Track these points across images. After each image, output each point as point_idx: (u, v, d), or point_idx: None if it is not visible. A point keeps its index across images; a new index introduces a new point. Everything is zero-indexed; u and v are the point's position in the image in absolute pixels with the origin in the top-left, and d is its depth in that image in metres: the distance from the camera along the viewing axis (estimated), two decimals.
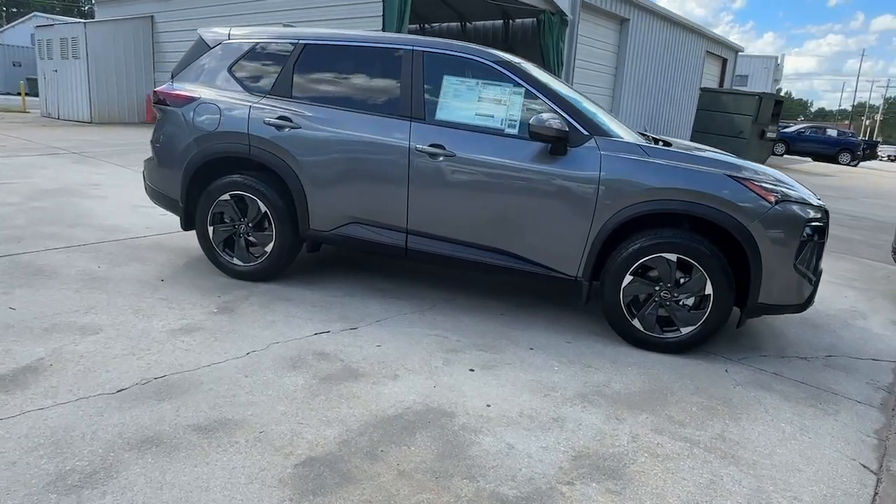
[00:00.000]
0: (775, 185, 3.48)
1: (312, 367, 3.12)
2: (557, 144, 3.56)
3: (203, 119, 4.12)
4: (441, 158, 3.73)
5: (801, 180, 4.15)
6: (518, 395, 3.02)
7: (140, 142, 12.45)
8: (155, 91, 4.38)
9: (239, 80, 4.17)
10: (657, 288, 3.59)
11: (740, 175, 3.47)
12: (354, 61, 4.05)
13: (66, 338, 3.20)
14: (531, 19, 15.93)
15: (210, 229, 4.24)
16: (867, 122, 79.53)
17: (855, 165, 27.55)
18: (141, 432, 2.44)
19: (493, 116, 3.76)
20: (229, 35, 4.29)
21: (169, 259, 4.63)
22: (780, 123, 22.43)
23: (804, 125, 27.75)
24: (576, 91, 4.27)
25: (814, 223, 3.50)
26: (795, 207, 3.46)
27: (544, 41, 14.77)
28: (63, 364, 2.93)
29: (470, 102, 3.80)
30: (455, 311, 4.05)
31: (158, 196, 4.45)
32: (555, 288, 4.67)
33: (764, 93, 19.62)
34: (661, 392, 3.18)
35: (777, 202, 3.42)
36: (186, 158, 4.16)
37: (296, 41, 4.11)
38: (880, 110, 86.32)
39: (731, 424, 2.93)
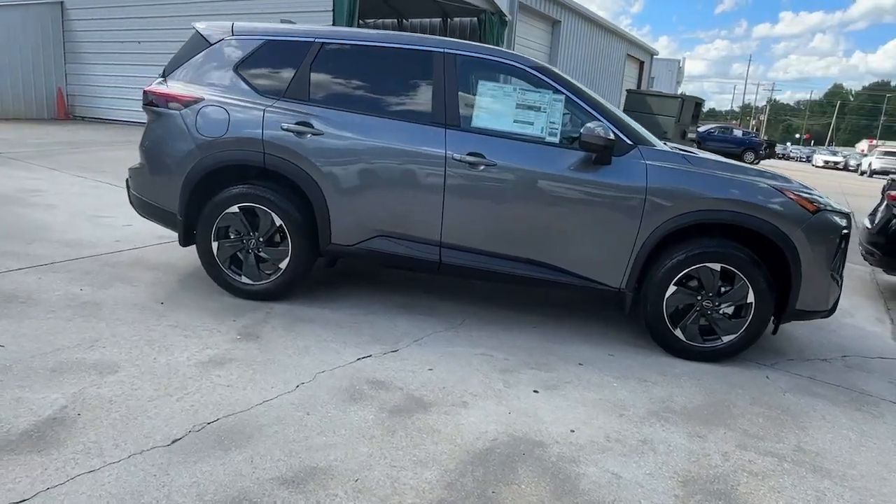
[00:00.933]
0: (811, 195, 3.56)
1: (373, 398, 2.87)
2: (604, 154, 3.47)
3: (208, 123, 3.71)
4: (481, 168, 3.55)
5: None
6: (594, 416, 2.91)
7: (63, 141, 11.36)
8: (145, 90, 3.90)
9: (247, 81, 3.78)
10: (699, 297, 3.58)
11: (784, 186, 3.52)
12: (379, 63, 3.78)
13: (83, 379, 2.77)
14: (469, 18, 15.91)
15: (214, 245, 3.83)
16: (753, 122, 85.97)
17: (756, 164, 29.63)
18: (223, 492, 2.13)
19: (532, 124, 3.62)
20: (233, 30, 3.89)
21: (158, 278, 4.16)
22: (698, 125, 23.70)
23: (713, 125, 29.45)
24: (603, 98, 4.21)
25: (844, 230, 3.61)
26: (830, 216, 3.55)
27: (485, 41, 14.77)
28: (93, 412, 2.52)
29: (507, 109, 3.64)
30: (487, 326, 3.88)
31: (149, 208, 3.98)
32: (580, 298, 4.60)
33: (685, 95, 20.63)
34: (722, 404, 3.17)
35: (816, 211, 3.49)
36: (187, 167, 3.73)
37: (312, 40, 3.78)
38: (766, 111, 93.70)
39: (802, 435, 2.95)
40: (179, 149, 3.75)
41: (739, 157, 29.45)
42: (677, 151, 3.65)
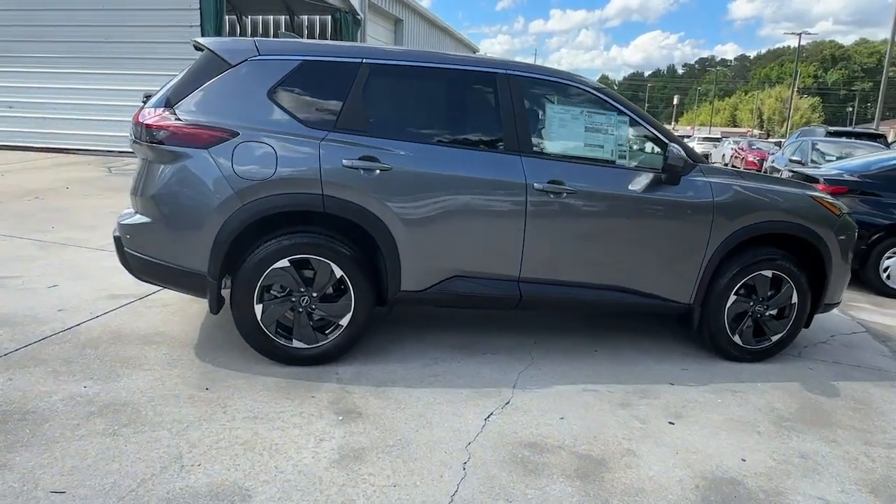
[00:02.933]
0: (834, 201, 3.96)
1: (546, 464, 2.61)
2: (675, 174, 3.51)
3: (250, 163, 3.05)
4: (564, 196, 3.39)
5: None
6: (740, 440, 2.95)
7: None
8: (148, 124, 3.08)
9: (286, 110, 3.17)
10: (751, 304, 3.81)
11: (816, 195, 3.86)
12: (437, 86, 3.42)
13: None
14: (320, 17, 15.19)
15: (258, 308, 3.18)
16: None
17: None
18: None
19: (602, 147, 3.54)
20: (257, 48, 3.22)
21: (168, 354, 3.35)
22: None
23: None
24: None
25: (856, 229, 4.08)
26: (848, 218, 3.98)
27: (340, 40, 14.22)
28: None
29: (577, 132, 3.51)
30: (558, 357, 3.73)
31: (159, 271, 3.18)
32: (597, 315, 4.59)
33: None
34: (817, 404, 3.41)
35: (839, 215, 3.89)
36: (222, 218, 3.04)
37: (360, 60, 3.27)
38: None
39: (891, 418, 3.28)
40: (211, 197, 3.04)
41: None
42: (729, 168, 3.81)
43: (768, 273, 3.76)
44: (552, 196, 3.37)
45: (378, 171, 3.17)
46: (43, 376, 3.00)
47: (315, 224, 3.22)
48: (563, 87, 3.58)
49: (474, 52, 29.26)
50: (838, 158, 10.19)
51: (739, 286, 3.74)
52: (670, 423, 3.06)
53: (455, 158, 3.32)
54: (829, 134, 13.05)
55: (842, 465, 2.78)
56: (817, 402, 3.43)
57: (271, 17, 15.93)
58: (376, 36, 16.84)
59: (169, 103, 3.12)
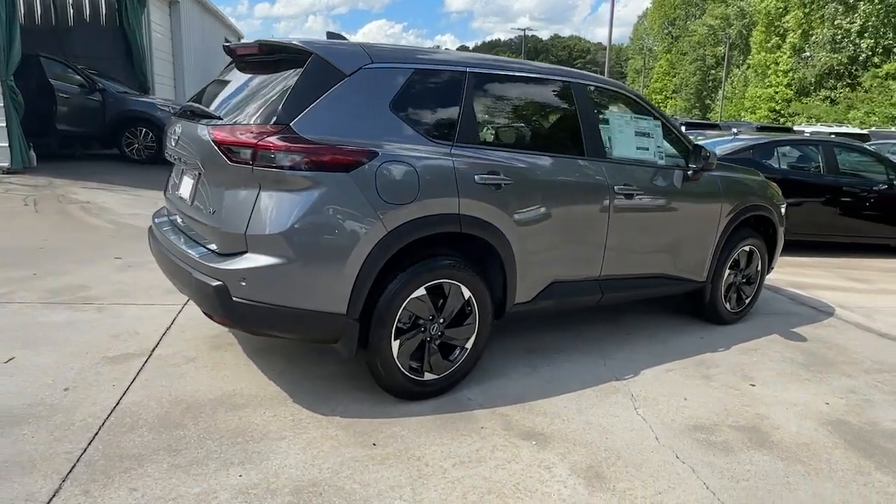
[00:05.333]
0: (773, 184, 4.89)
1: (723, 443, 2.92)
2: (706, 171, 4.03)
3: (394, 186, 2.71)
4: (633, 197, 3.67)
5: None
6: (803, 388, 3.60)
7: None
8: (272, 145, 2.50)
9: (411, 124, 2.87)
10: (737, 275, 4.57)
11: (766, 178, 4.74)
12: (523, 95, 3.40)
13: None
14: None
15: (395, 346, 2.87)
16: None
17: None
18: None
19: (647, 149, 3.88)
20: (369, 55, 2.83)
21: (282, 416, 2.81)
22: None
23: None
24: None
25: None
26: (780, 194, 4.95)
27: (129, 24, 12.29)
28: None
29: (630, 137, 3.80)
30: (612, 347, 4.01)
31: (285, 318, 2.66)
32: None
33: None
34: (810, 350, 4.25)
35: (779, 194, 4.84)
36: (367, 250, 2.67)
37: (464, 69, 3.09)
38: None
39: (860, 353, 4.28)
40: (355, 227, 2.64)
41: None
42: (723, 163, 4.46)
43: (747, 248, 4.54)
44: (625, 197, 3.63)
45: (502, 186, 3.07)
46: (169, 476, 2.34)
47: (441, 245, 3.00)
48: (616, 94, 3.84)
49: (240, 39, 27.38)
50: None
51: (731, 261, 4.45)
52: (751, 385, 3.59)
53: (556, 166, 3.37)
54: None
55: (872, 391, 3.59)
56: (808, 348, 4.27)
57: None
58: (154, 20, 14.80)
59: (283, 119, 2.60)
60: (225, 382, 3.12)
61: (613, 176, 3.59)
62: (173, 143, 3.08)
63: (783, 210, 4.83)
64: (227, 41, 3.15)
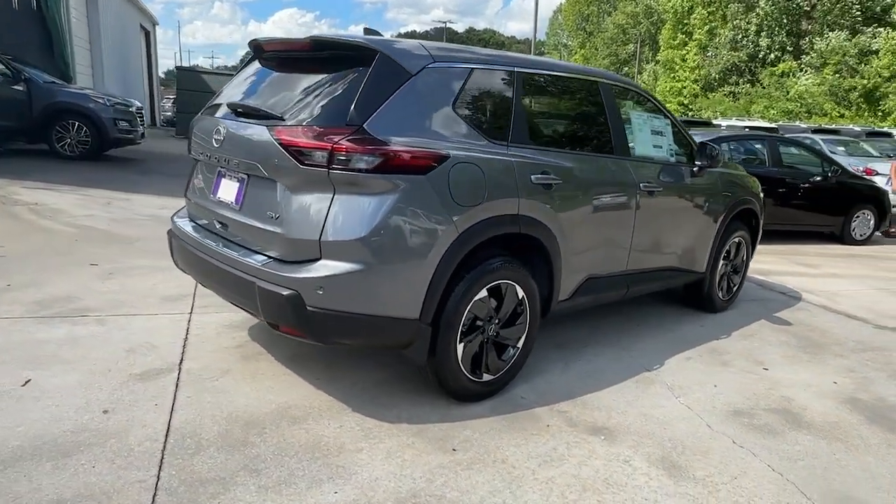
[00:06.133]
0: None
1: (766, 425, 3.10)
2: (712, 167, 4.23)
3: (465, 187, 2.68)
4: (654, 193, 3.80)
5: None
6: (809, 370, 3.88)
7: None
8: (347, 147, 2.40)
9: (472, 125, 2.83)
10: (728, 265, 4.84)
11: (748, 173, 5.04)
12: (560, 93, 3.44)
13: None
14: None
15: (460, 349, 2.85)
16: None
17: None
18: None
19: (661, 147, 4.03)
20: (431, 54, 2.76)
21: (347, 426, 2.72)
22: None
23: None
24: None
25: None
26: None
27: (48, 8, 11.33)
28: None
29: (647, 135, 3.93)
30: (629, 339, 4.15)
31: (361, 327, 2.57)
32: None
33: None
34: (798, 333, 4.57)
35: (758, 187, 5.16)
36: (441, 254, 2.63)
37: (512, 69, 3.08)
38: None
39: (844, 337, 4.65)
40: (431, 231, 2.59)
41: None
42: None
43: (737, 240, 4.81)
44: (648, 194, 3.75)
45: (552, 185, 3.10)
46: (262, 498, 2.22)
47: (500, 248, 3.00)
48: (634, 93, 3.95)
49: (155, 26, 25.84)
50: None
51: (725, 252, 4.70)
52: (764, 369, 3.82)
53: (595, 165, 3.45)
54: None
55: (866, 369, 3.92)
56: (796, 332, 4.59)
57: None
58: (71, 3, 13.69)
59: (356, 120, 2.50)
60: (273, 394, 2.98)
61: (638, 173, 3.70)
62: (215, 145, 2.88)
63: (763, 203, 5.16)
64: (259, 40, 2.97)
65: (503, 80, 3.05)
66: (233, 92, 3.15)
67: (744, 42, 43.02)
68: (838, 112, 34.81)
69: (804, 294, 5.68)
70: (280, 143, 2.52)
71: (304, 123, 2.57)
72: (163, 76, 38.96)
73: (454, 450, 2.64)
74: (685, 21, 48.50)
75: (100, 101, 9.61)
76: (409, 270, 2.59)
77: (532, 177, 2.99)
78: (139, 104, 10.90)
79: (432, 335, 2.72)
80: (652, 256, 3.98)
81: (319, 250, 2.50)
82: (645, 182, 3.72)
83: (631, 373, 3.58)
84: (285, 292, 2.48)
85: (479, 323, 2.93)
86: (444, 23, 57.00)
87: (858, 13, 37.26)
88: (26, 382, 2.91)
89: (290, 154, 2.50)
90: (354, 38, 2.72)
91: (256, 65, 3.23)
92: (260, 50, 3.18)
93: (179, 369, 3.18)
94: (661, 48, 51.20)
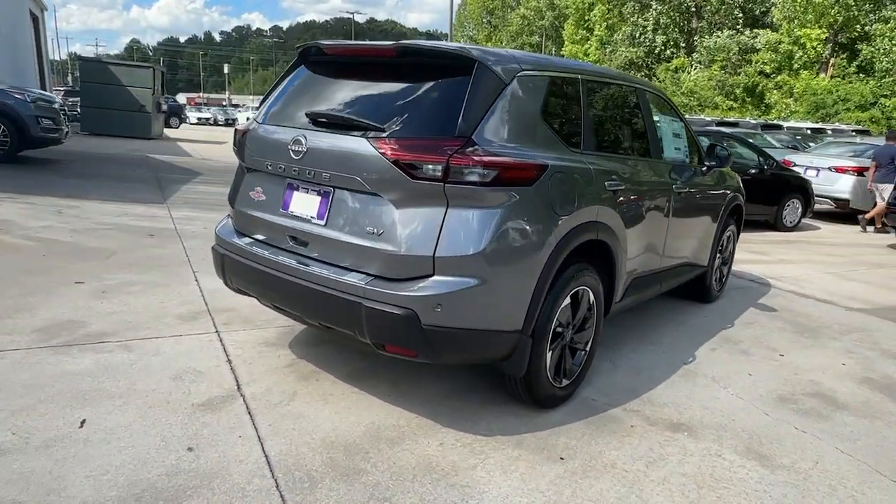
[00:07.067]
0: None
1: (811, 409, 3.35)
2: (719, 167, 4.48)
3: (561, 197, 2.69)
4: (682, 194, 3.97)
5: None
6: (818, 354, 4.21)
7: None
8: (465, 160, 2.32)
9: (555, 132, 2.84)
10: (720, 257, 5.15)
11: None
12: (612, 100, 3.49)
13: None
14: None
15: (548, 356, 2.87)
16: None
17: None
18: None
19: (679, 150, 4.21)
20: (520, 63, 2.71)
21: (447, 444, 2.66)
22: (166, 95, 22.09)
23: None
24: None
25: None
26: None
27: None
28: None
29: (671, 138, 4.09)
30: (654, 333, 4.33)
31: (473, 342, 2.52)
32: None
33: (154, 65, 19.00)
34: (791, 319, 4.94)
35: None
36: (542, 264, 2.63)
37: (577, 76, 3.10)
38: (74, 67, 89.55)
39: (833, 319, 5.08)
40: (536, 242, 2.58)
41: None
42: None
43: (729, 233, 5.13)
44: (678, 194, 3.92)
45: (618, 191, 3.17)
46: None
47: (575, 254, 3.02)
48: (657, 97, 4.08)
49: (44, 11, 23.60)
50: None
51: (719, 246, 5.00)
52: (781, 355, 4.11)
53: (644, 168, 3.56)
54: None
55: (862, 349, 4.32)
56: (786, 317, 4.96)
57: None
58: None
59: (465, 132, 2.43)
60: (354, 415, 2.86)
61: (671, 175, 3.86)
62: (294, 156, 2.69)
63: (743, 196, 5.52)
64: (312, 42, 2.81)
65: (573, 87, 3.08)
66: (297, 100, 2.96)
67: (641, 38, 45.42)
68: (727, 105, 37.59)
69: (771, 281, 6.14)
70: (386, 157, 2.41)
71: (408, 136, 2.47)
72: None
73: (562, 458, 2.65)
74: (586, 17, 50.56)
75: (19, 96, 8.67)
76: (518, 283, 2.57)
77: (606, 183, 3.05)
78: (60, 100, 9.94)
79: (532, 346, 2.72)
80: (677, 253, 4.17)
81: (433, 266, 2.42)
82: (676, 183, 3.89)
83: (673, 367, 3.74)
84: (400, 312, 2.39)
85: (559, 330, 2.96)
86: (352, 13, 56.13)
87: (740, 15, 40.35)
88: (83, 423, 2.62)
89: (399, 168, 2.39)
90: (449, 46, 2.63)
91: (311, 70, 3.04)
92: (317, 54, 3.01)
93: (242, 395, 2.97)
94: (566, 42, 53.10)
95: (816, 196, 9.96)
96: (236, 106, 54.99)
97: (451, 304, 2.42)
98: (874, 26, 29.34)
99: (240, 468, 2.40)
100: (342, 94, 2.84)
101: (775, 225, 9.40)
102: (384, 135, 2.49)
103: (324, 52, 2.97)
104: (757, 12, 40.27)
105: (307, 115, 2.76)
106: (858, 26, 30.60)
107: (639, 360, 3.79)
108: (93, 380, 2.99)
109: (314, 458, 2.51)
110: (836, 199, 10.47)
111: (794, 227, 9.62)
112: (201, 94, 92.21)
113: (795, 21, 31.91)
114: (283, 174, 2.82)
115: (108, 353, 3.30)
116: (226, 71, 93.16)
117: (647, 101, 3.77)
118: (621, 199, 3.22)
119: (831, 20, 30.56)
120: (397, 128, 2.51)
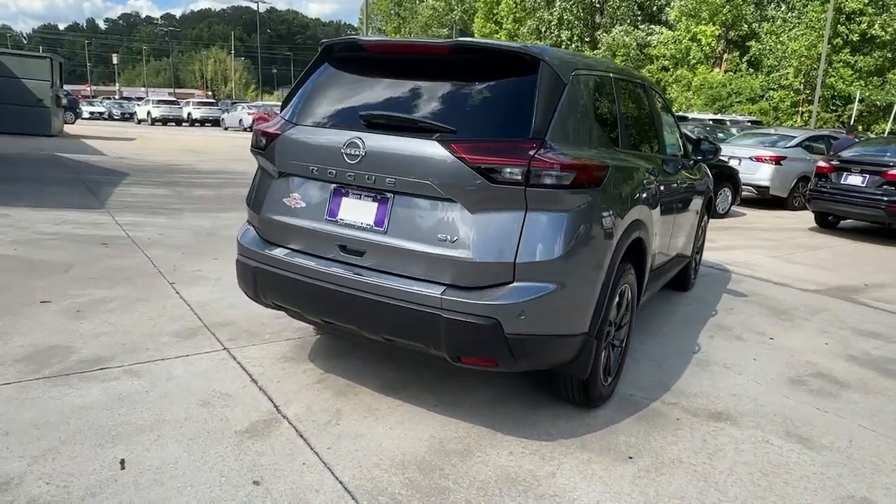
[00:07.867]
0: None
1: (821, 389, 3.56)
2: (705, 161, 4.66)
3: (620, 196, 2.71)
4: (683, 187, 4.11)
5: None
6: (805, 336, 4.49)
7: None
8: (547, 162, 2.24)
9: (604, 131, 2.83)
10: (696, 248, 5.38)
11: None
12: (631, 98, 3.51)
13: None
14: None
15: (602, 355, 2.87)
16: None
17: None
18: None
19: (674, 144, 4.33)
20: (574, 63, 2.66)
21: (516, 451, 2.59)
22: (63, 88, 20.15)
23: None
24: None
25: None
26: None
27: None
28: None
29: (667, 132, 4.20)
30: (670, 324, 4.46)
31: (547, 347, 2.46)
32: None
33: (51, 55, 17.35)
34: (768, 303, 5.23)
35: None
36: (606, 266, 2.61)
37: (609, 74, 3.10)
38: None
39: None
40: (606, 243, 2.57)
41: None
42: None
43: (703, 225, 5.36)
44: (680, 186, 4.05)
45: (650, 188, 3.21)
46: None
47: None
48: (655, 92, 4.16)
49: None
50: None
51: (697, 237, 5.22)
52: (771, 338, 4.34)
53: (661, 164, 3.61)
54: None
55: (833, 328, 4.65)
56: (757, 301, 5.25)
57: None
58: None
59: (539, 133, 2.36)
60: (411, 430, 2.73)
61: (676, 169, 3.97)
62: (350, 161, 2.50)
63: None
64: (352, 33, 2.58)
65: (609, 86, 3.08)
66: (334, 99, 2.76)
67: (547, 33, 46.69)
68: None
69: (728, 266, 6.49)
70: (465, 160, 2.30)
71: (484, 138, 2.36)
72: None
73: (630, 458, 2.66)
74: (495, 11, 51.33)
75: None
76: (590, 285, 2.54)
77: (644, 181, 3.08)
78: None
79: (596, 347, 2.70)
80: (677, 245, 4.30)
81: (513, 273, 2.34)
82: (679, 177, 4.00)
83: (684, 357, 3.85)
84: (483, 322, 2.29)
85: (608, 329, 2.96)
86: (256, 1, 54.04)
87: (639, 12, 42.40)
88: (123, 463, 2.33)
89: (479, 171, 2.29)
90: (510, 45, 2.54)
91: (340, 68, 2.85)
92: (347, 50, 2.82)
93: (284, 417, 2.76)
94: (475, 35, 53.73)
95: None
96: (129, 99, 51.09)
97: (533, 311, 2.35)
98: (761, 25, 31.76)
99: (319, 498, 2.23)
100: (391, 93, 2.67)
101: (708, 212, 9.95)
102: (458, 137, 2.37)
103: (358, 49, 2.79)
104: (654, 8, 42.46)
105: (362, 116, 2.57)
106: (746, 25, 33.05)
107: (651, 352, 3.88)
108: (111, 413, 2.68)
109: (392, 480, 2.37)
110: (757, 187, 11.22)
111: (725, 214, 10.24)
112: (89, 86, 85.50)
113: (692, 18, 33.91)
114: (331, 179, 2.62)
115: (114, 380, 2.97)
116: (115, 61, 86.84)
117: (653, 97, 3.85)
118: (650, 195, 3.27)
119: (724, 18, 32.72)
120: (468, 130, 2.40)
